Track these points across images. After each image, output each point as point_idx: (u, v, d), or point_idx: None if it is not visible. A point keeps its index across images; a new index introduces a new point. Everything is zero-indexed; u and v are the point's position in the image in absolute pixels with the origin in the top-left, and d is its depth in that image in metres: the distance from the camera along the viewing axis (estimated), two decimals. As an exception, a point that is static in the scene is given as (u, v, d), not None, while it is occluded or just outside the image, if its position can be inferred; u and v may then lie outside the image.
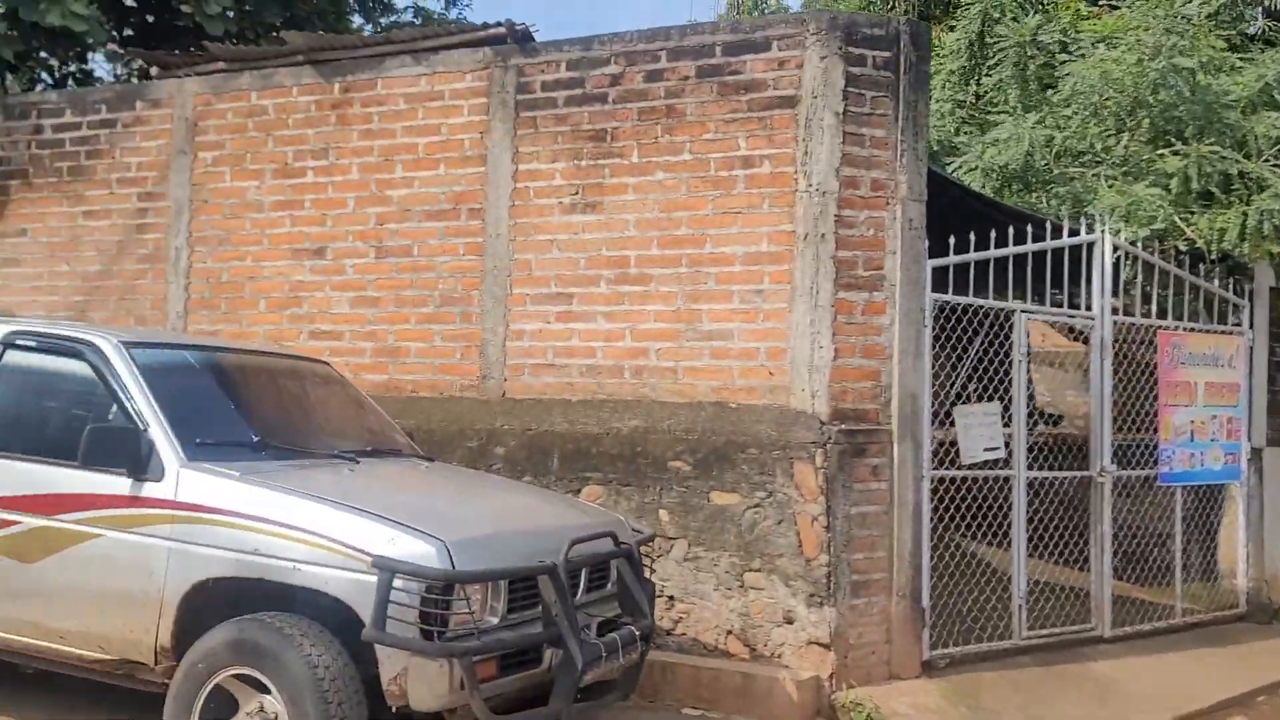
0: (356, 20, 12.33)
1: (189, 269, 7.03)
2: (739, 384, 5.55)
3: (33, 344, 4.43)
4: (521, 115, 6.13)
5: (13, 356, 4.43)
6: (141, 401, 4.05)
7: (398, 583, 3.43)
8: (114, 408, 4.10)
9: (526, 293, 6.10)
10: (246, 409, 4.63)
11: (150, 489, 3.89)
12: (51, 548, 3.99)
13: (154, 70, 7.33)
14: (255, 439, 4.25)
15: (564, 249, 6.01)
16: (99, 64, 11.37)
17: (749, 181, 5.56)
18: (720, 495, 5.38)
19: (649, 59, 5.81)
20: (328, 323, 6.65)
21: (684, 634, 5.40)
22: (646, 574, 4.52)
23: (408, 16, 14.18)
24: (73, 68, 10.21)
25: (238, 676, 3.61)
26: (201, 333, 6.80)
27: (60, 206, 7.52)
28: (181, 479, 3.86)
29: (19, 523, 4.06)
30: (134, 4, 10.40)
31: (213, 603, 3.77)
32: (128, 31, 10.33)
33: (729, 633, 5.34)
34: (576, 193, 5.98)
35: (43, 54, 9.54)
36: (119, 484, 3.93)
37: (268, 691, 3.56)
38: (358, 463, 4.45)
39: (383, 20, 13.40)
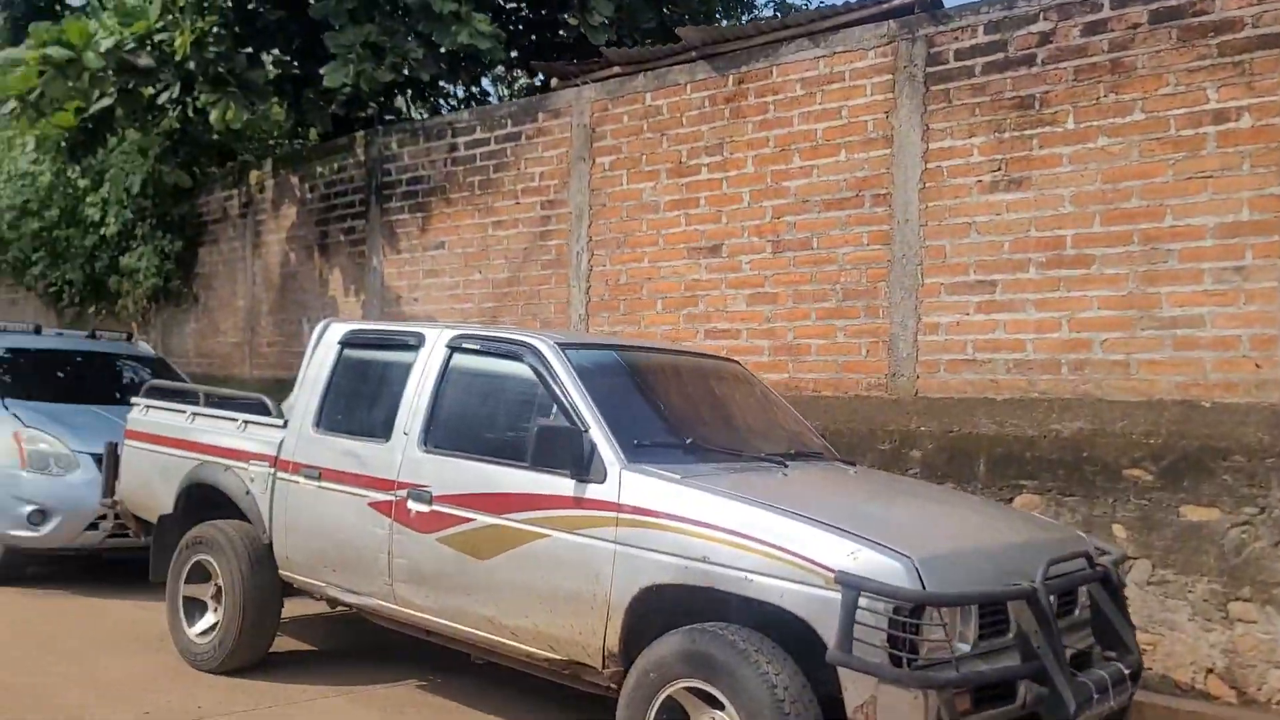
0: (723, 22, 12.33)
1: (589, 272, 7.22)
2: (1212, 379, 4.72)
3: (476, 347, 4.60)
4: (931, 89, 5.64)
5: (458, 360, 4.61)
6: (581, 403, 4.04)
7: (863, 602, 3.10)
8: (554, 409, 4.12)
9: (941, 282, 5.61)
10: (673, 410, 4.53)
11: (593, 491, 3.84)
12: (502, 546, 4.07)
13: (553, 82, 7.60)
14: (687, 440, 4.11)
15: (984, 231, 5.45)
16: (484, 85, 12.25)
17: (1222, 139, 4.71)
18: (1194, 510, 4.58)
19: (1087, 9, 5.11)
20: (724, 321, 6.53)
21: (1150, 668, 4.66)
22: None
23: (767, 12, 14.09)
24: (471, 90, 10.98)
25: (690, 689, 3.45)
26: (602, 334, 6.94)
27: (472, 219, 8.04)
28: (624, 481, 3.78)
29: (472, 520, 4.19)
30: (518, 27, 11.04)
31: (658, 609, 3.65)
32: (513, 52, 10.97)
33: (1209, 671, 4.54)
34: (998, 169, 5.40)
35: (440, 81, 10.33)
36: (563, 485, 3.92)
37: (721, 707, 3.37)
38: (786, 467, 4.20)
39: (744, 17, 13.36)
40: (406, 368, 4.74)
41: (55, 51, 7.67)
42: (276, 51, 9.91)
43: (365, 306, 8.92)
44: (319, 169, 9.55)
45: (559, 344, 4.33)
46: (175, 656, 5.26)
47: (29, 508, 6.57)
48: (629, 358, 4.67)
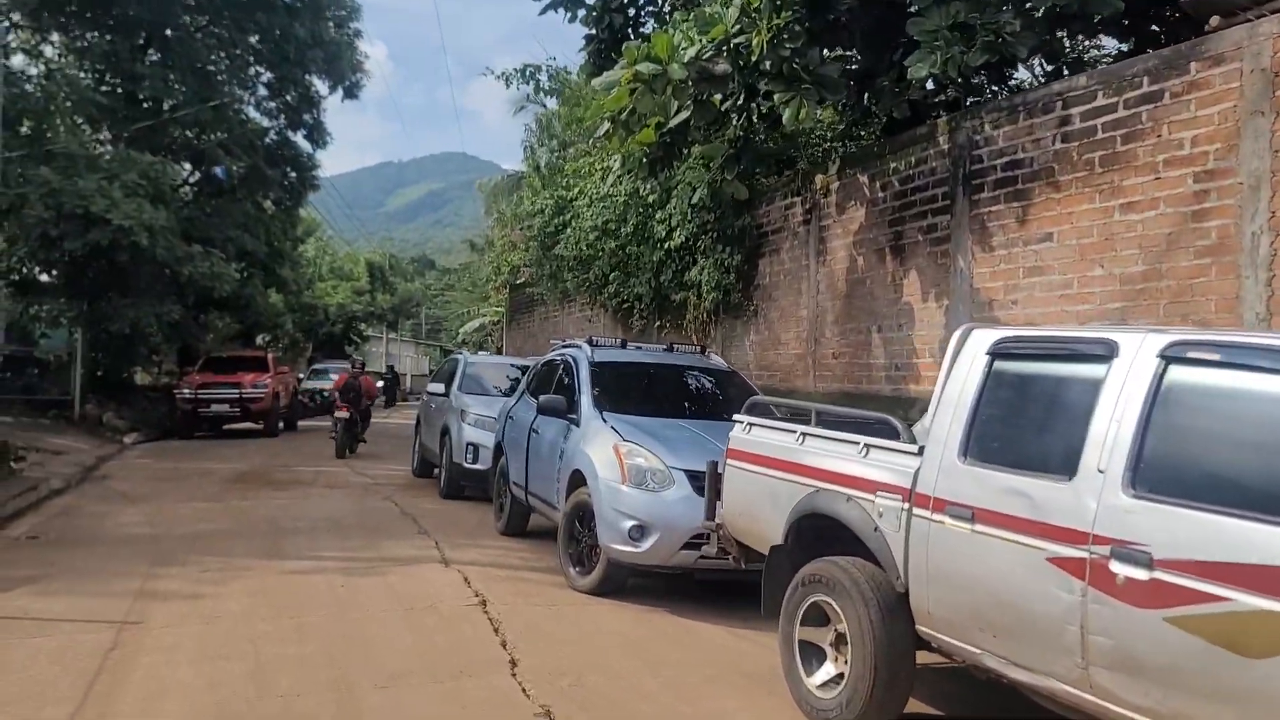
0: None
1: (1271, 258, 5.55)
2: None
3: (1212, 358, 3.37)
4: None
5: (1179, 375, 3.42)
6: None
7: None
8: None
9: None
10: None
11: None
12: (1285, 643, 2.82)
13: (1213, 21, 6.02)
14: None
15: None
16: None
17: None
18: None
19: None
20: None
21: None
22: None
23: None
24: (1063, 60, 9.52)
25: None
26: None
27: (1090, 203, 6.70)
28: None
29: (1227, 600, 2.99)
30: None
31: None
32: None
33: None
34: None
35: (1036, 54, 9.01)
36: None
37: None
38: None
39: None
40: (1093, 385, 3.66)
41: (645, 67, 7.72)
42: (838, 48, 9.36)
43: (949, 313, 7.94)
44: (892, 164, 8.78)
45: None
46: (788, 702, 4.69)
47: (629, 523, 6.51)
48: None
